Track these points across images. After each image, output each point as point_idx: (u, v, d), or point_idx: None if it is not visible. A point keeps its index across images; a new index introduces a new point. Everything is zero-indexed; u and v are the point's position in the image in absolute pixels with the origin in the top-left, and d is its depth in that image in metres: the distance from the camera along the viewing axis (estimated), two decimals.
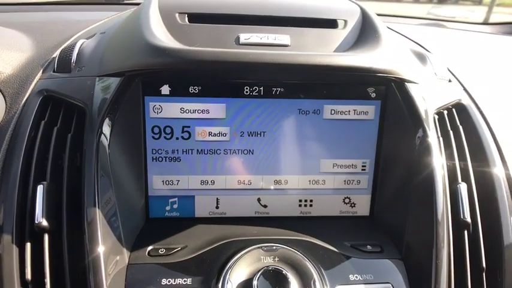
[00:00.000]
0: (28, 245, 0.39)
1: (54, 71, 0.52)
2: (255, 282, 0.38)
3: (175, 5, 0.52)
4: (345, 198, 0.51)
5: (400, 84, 0.47)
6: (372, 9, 0.56)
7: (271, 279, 0.39)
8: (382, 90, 0.48)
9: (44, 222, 0.40)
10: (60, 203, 0.42)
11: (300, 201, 0.51)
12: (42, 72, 0.53)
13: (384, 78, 0.46)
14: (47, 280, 0.38)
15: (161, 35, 0.46)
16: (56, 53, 0.56)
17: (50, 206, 0.41)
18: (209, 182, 0.49)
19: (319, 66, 0.43)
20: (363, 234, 0.49)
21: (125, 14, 0.71)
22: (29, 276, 0.38)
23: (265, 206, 0.51)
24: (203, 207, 0.50)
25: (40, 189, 0.41)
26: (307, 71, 0.44)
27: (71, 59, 0.51)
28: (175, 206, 0.50)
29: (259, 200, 0.51)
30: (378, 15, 0.55)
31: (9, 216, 0.40)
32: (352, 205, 0.52)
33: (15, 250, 0.39)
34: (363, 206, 0.52)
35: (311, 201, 0.51)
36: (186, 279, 0.40)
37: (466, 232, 0.43)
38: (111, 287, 0.38)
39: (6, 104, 0.52)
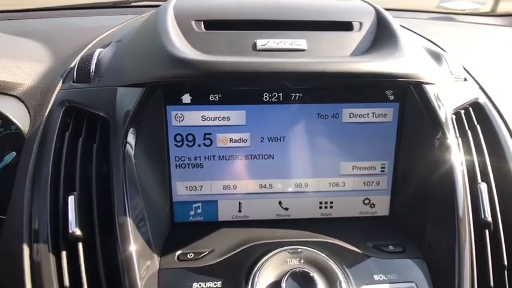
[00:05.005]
0: (64, 253, 0.41)
1: (73, 81, 0.52)
2: (283, 285, 0.40)
3: (191, 12, 0.52)
4: (365, 199, 0.52)
5: (418, 86, 0.48)
6: (382, 4, 0.56)
7: (298, 281, 0.40)
8: (400, 92, 0.49)
9: (78, 232, 0.41)
10: (90, 212, 0.43)
11: (321, 203, 0.52)
12: (62, 83, 0.54)
13: (403, 82, 0.47)
14: (85, 286, 0.39)
15: (181, 45, 0.46)
16: (74, 63, 0.57)
17: (81, 215, 0.42)
18: (231, 187, 0.51)
19: (340, 73, 0.44)
20: (384, 234, 0.50)
21: (137, 20, 0.72)
22: (67, 283, 0.39)
23: (286, 209, 0.52)
24: (226, 211, 0.51)
25: (71, 199, 0.42)
26: (327, 78, 0.45)
27: (90, 69, 0.52)
28: (199, 211, 0.51)
29: (280, 203, 0.52)
30: (387, 9, 0.55)
31: (44, 226, 0.42)
32: (372, 206, 0.52)
33: (51, 258, 0.41)
34: (382, 207, 0.52)
35: (331, 202, 0.52)
36: (216, 283, 0.42)
37: (487, 231, 0.44)
38: None
39: (30, 116, 0.54)
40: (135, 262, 0.39)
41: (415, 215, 0.49)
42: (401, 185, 0.51)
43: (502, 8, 1.11)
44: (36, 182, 0.45)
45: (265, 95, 0.48)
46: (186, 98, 0.47)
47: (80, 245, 0.41)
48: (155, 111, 0.47)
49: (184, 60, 0.44)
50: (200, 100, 0.48)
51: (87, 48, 0.62)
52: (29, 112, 0.53)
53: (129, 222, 0.41)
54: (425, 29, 0.78)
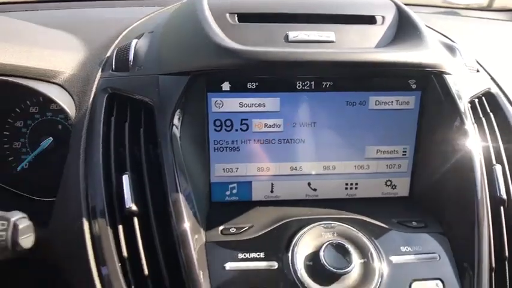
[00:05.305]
0: (120, 227, 0.45)
1: (112, 70, 0.55)
2: (321, 254, 0.44)
3: (225, 5, 0.55)
4: (387, 181, 0.57)
5: (439, 76, 0.52)
6: None
7: (335, 251, 0.44)
8: (422, 82, 0.53)
9: (134, 207, 0.45)
10: (142, 191, 0.47)
11: (346, 184, 0.56)
12: (101, 71, 0.57)
13: (426, 72, 0.51)
14: (142, 257, 0.43)
15: (222, 35, 0.50)
16: (109, 53, 0.60)
17: (135, 193, 0.46)
18: (265, 169, 0.55)
19: (370, 62, 0.48)
20: (405, 212, 0.54)
21: (163, 12, 0.74)
22: (125, 254, 0.43)
23: (314, 189, 0.56)
24: (259, 192, 0.55)
25: (126, 178, 0.46)
26: (358, 67, 0.49)
27: (128, 58, 0.55)
28: (234, 191, 0.55)
29: (309, 184, 0.56)
30: None
31: (100, 203, 0.46)
32: (393, 187, 0.57)
33: (110, 232, 0.44)
34: (403, 188, 0.57)
35: (356, 184, 0.56)
36: (259, 253, 0.46)
37: (502, 208, 0.49)
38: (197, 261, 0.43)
39: (74, 102, 0.57)
40: (189, 234, 0.43)
41: (433, 195, 0.54)
42: (421, 168, 0.56)
43: (503, 3, 1.15)
44: (88, 163, 0.49)
45: (299, 83, 0.52)
46: (226, 86, 0.51)
47: (136, 220, 0.45)
48: (197, 98, 0.51)
49: (230, 50, 0.47)
50: (238, 88, 0.51)
51: (119, 39, 0.65)
52: (73, 99, 0.57)
53: (181, 199, 0.45)
54: (431, 22, 0.81)
